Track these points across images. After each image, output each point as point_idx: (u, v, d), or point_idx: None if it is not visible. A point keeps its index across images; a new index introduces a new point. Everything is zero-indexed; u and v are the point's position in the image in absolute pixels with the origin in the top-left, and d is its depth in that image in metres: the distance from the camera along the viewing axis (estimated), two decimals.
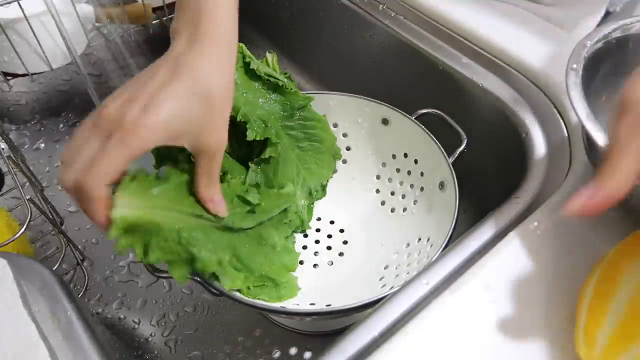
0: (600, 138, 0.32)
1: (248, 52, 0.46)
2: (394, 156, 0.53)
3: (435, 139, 0.48)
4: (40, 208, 0.49)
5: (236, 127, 0.46)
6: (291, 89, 0.47)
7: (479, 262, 0.36)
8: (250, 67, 0.45)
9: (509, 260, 0.36)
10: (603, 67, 0.39)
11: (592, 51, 0.38)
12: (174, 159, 0.42)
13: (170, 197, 0.36)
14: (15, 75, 0.67)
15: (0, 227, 0.51)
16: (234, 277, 0.40)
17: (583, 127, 0.34)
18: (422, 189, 0.50)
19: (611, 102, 0.41)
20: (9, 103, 0.77)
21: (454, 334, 0.33)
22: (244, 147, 0.47)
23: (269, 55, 0.49)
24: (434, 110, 0.50)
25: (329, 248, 0.53)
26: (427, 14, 0.58)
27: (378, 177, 0.55)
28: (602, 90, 0.40)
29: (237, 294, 0.40)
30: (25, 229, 0.44)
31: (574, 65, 0.37)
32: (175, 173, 0.37)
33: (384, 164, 0.54)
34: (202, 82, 0.32)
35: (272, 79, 0.46)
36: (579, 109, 0.34)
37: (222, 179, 0.44)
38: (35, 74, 0.66)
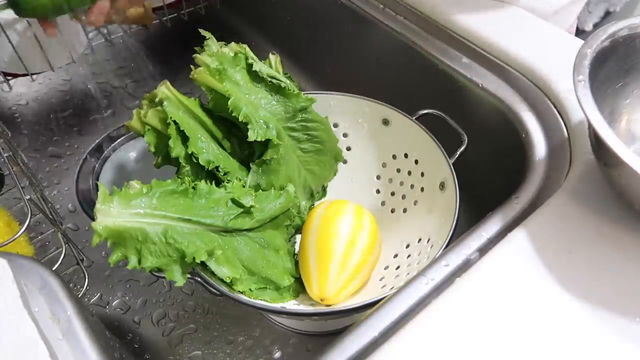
0: (608, 135, 0.33)
1: (251, 54, 0.46)
2: (394, 156, 0.53)
3: (435, 139, 0.48)
4: (40, 208, 0.49)
5: (238, 128, 0.46)
6: (293, 91, 0.47)
7: (479, 262, 0.36)
8: (253, 69, 0.45)
9: (509, 261, 0.36)
10: (609, 63, 0.39)
11: (599, 48, 0.38)
12: (175, 161, 0.43)
13: (155, 206, 0.37)
14: (15, 75, 0.67)
15: (0, 227, 0.51)
16: (227, 266, 0.40)
17: (590, 124, 0.34)
18: (422, 189, 0.50)
19: (616, 98, 0.41)
20: (9, 103, 0.77)
21: (454, 334, 0.33)
22: (246, 149, 0.47)
23: (272, 57, 0.49)
24: (435, 111, 0.50)
25: None
26: (427, 14, 0.58)
27: (378, 178, 0.55)
28: (607, 87, 0.40)
29: (238, 294, 0.40)
30: (25, 229, 0.44)
31: (582, 62, 0.37)
32: (159, 184, 0.39)
33: (384, 165, 0.54)
34: None
35: (274, 81, 0.46)
36: (586, 106, 0.34)
37: (222, 180, 0.44)
38: (35, 74, 0.66)
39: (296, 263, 0.48)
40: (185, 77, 0.46)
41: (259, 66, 0.46)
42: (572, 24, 0.68)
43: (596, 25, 0.73)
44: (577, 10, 0.64)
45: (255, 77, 0.46)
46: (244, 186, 0.45)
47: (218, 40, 0.46)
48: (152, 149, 0.43)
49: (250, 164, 0.46)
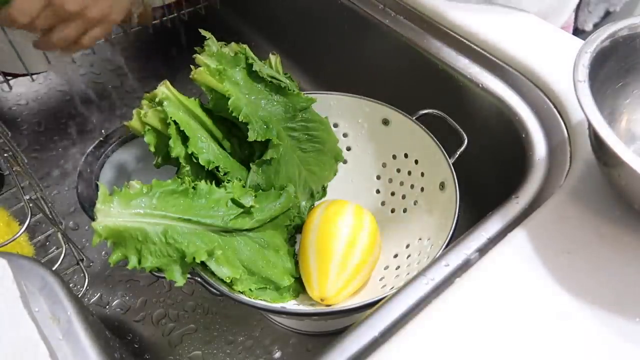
0: (608, 135, 0.33)
1: (251, 54, 0.46)
2: (394, 156, 0.53)
3: (435, 139, 0.48)
4: (40, 208, 0.49)
5: (238, 128, 0.46)
6: (293, 91, 0.47)
7: (479, 262, 0.36)
8: (253, 69, 0.45)
9: (509, 261, 0.36)
10: (609, 63, 0.39)
11: (599, 48, 0.38)
12: (175, 161, 0.43)
13: (155, 206, 0.37)
14: (15, 75, 0.67)
15: (0, 227, 0.50)
16: (227, 266, 0.40)
17: (590, 124, 0.34)
18: (422, 189, 0.50)
19: (616, 98, 0.41)
20: (9, 103, 0.77)
21: (454, 334, 0.33)
22: (246, 149, 0.47)
23: (272, 57, 0.49)
24: (435, 111, 0.50)
25: None
26: (427, 14, 0.58)
27: (378, 178, 0.55)
28: (607, 87, 0.40)
29: (238, 294, 0.40)
30: (25, 229, 0.44)
31: (582, 62, 0.37)
32: (159, 184, 0.38)
33: (384, 165, 0.54)
34: None
35: (274, 81, 0.46)
36: (586, 106, 0.34)
37: (222, 180, 0.44)
38: (35, 74, 0.66)
39: (296, 263, 0.48)
40: (185, 77, 0.46)
41: (259, 66, 0.46)
42: (569, 22, 0.68)
43: (596, 25, 0.73)
44: (571, 7, 0.64)
45: (255, 77, 0.46)
46: (244, 186, 0.45)
47: (218, 40, 0.46)
48: (152, 149, 0.43)
49: (250, 164, 0.46)
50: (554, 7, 0.60)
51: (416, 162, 0.51)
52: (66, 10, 0.47)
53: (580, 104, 0.35)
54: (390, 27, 0.59)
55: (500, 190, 0.45)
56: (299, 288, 0.47)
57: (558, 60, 0.50)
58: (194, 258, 0.37)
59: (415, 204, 0.51)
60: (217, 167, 0.43)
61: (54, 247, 0.58)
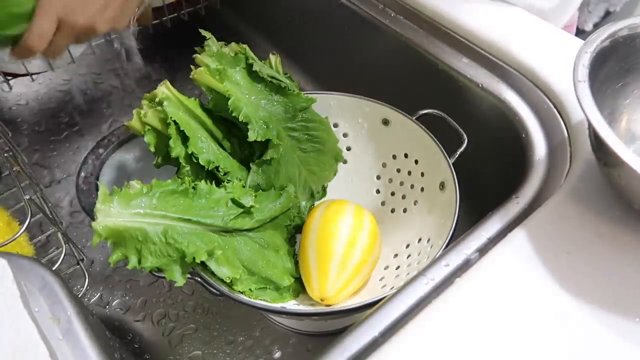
0: (608, 135, 0.33)
1: (251, 54, 0.46)
2: (394, 156, 0.53)
3: (435, 139, 0.48)
4: (40, 208, 0.49)
5: (238, 128, 0.46)
6: (293, 91, 0.47)
7: (479, 262, 0.36)
8: (253, 69, 0.45)
9: (508, 261, 0.36)
10: (609, 63, 0.39)
11: (599, 48, 0.38)
12: (175, 161, 0.43)
13: (155, 206, 0.37)
14: (15, 75, 0.67)
15: (0, 227, 0.50)
16: (227, 266, 0.40)
17: (590, 124, 0.34)
18: (422, 189, 0.50)
19: (616, 98, 0.41)
20: (9, 103, 0.77)
21: (454, 334, 0.33)
22: (246, 149, 0.47)
23: (272, 57, 0.49)
24: (435, 111, 0.50)
25: None
26: (427, 14, 0.58)
27: (378, 178, 0.55)
28: (607, 87, 0.40)
29: (238, 294, 0.40)
30: (25, 229, 0.44)
31: (582, 62, 0.37)
32: (159, 184, 0.39)
33: (384, 165, 0.54)
34: None
35: (274, 81, 0.46)
36: (586, 106, 0.34)
37: (223, 180, 0.44)
38: (35, 74, 0.66)
39: (296, 263, 0.48)
40: (185, 77, 0.46)
41: (259, 66, 0.46)
42: (572, 21, 0.67)
43: (596, 25, 0.73)
44: (575, 5, 0.64)
45: (255, 77, 0.46)
46: (244, 186, 0.45)
47: (218, 40, 0.46)
48: (152, 149, 0.43)
49: (250, 164, 0.46)
50: (556, 5, 0.60)
51: (416, 162, 0.51)
52: (78, 28, 0.46)
53: (580, 104, 0.35)
54: (390, 27, 0.59)
55: (500, 190, 0.45)
56: (299, 288, 0.47)
57: (558, 60, 0.50)
58: (194, 258, 0.37)
59: (415, 204, 0.51)
60: (217, 167, 0.44)
61: (54, 247, 0.58)
